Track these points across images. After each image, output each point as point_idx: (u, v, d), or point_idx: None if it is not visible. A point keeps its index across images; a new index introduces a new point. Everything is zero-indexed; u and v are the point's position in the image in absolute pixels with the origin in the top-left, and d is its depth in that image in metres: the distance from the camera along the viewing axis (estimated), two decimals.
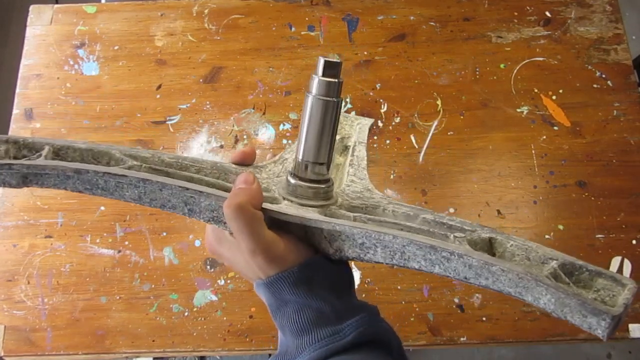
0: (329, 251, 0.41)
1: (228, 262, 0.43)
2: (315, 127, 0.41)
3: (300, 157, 0.42)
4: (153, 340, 0.80)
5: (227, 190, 0.41)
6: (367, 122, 0.55)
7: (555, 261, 0.35)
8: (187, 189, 0.39)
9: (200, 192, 0.39)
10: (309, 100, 0.40)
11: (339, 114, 0.42)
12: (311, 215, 0.40)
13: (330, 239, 0.40)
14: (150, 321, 0.81)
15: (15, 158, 0.41)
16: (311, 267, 0.40)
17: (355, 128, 0.54)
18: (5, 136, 0.42)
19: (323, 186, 0.42)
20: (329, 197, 0.43)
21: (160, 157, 0.44)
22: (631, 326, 0.78)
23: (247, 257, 0.39)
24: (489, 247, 0.38)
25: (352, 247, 0.39)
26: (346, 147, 0.53)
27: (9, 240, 0.86)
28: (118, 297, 0.82)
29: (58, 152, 0.42)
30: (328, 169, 0.43)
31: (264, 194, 0.41)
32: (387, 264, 0.38)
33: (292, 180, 0.43)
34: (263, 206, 0.39)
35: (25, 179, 0.39)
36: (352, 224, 0.38)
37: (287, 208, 0.41)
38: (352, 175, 0.49)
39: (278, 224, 0.40)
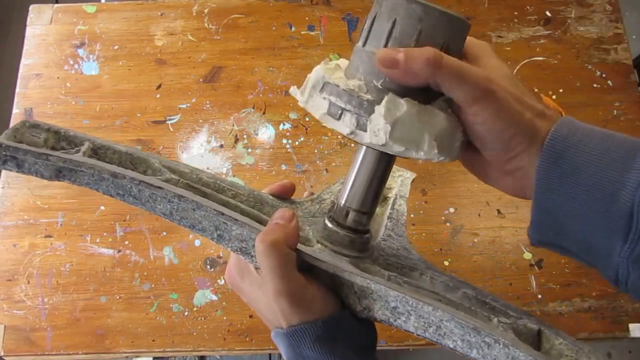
0: (357, 308, 0.37)
1: (247, 299, 0.41)
2: (365, 175, 0.38)
3: (342, 202, 0.39)
4: (153, 340, 0.80)
5: (261, 221, 0.39)
6: (410, 176, 0.51)
7: None
8: (223, 214, 0.37)
9: (235, 219, 0.37)
10: (363, 148, 0.38)
11: (392, 166, 0.39)
12: (345, 266, 0.37)
13: (360, 295, 0.36)
14: (150, 321, 0.81)
15: (53, 149, 0.39)
16: (336, 323, 0.37)
17: (397, 180, 0.51)
18: (48, 124, 0.39)
19: (361, 237, 0.39)
20: (365, 249, 0.40)
21: (199, 175, 0.42)
22: (631, 326, 0.78)
23: (270, 298, 0.36)
24: (535, 339, 0.34)
25: (383, 309, 0.35)
26: (386, 198, 0.49)
27: (9, 239, 0.86)
28: (118, 297, 0.82)
29: (97, 151, 0.40)
30: (369, 219, 0.40)
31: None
32: (418, 335, 0.35)
33: (330, 225, 0.40)
34: (297, 247, 0.37)
35: (59, 173, 0.37)
36: (388, 285, 0.35)
37: (321, 253, 0.38)
38: (389, 229, 0.45)
39: (307, 268, 0.37)
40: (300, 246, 0.37)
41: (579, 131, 0.33)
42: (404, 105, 0.33)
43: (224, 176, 0.89)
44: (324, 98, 0.36)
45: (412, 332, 0.35)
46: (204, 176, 0.42)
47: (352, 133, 0.35)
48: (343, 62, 0.38)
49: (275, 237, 0.35)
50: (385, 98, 0.33)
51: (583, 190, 0.32)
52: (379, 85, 0.34)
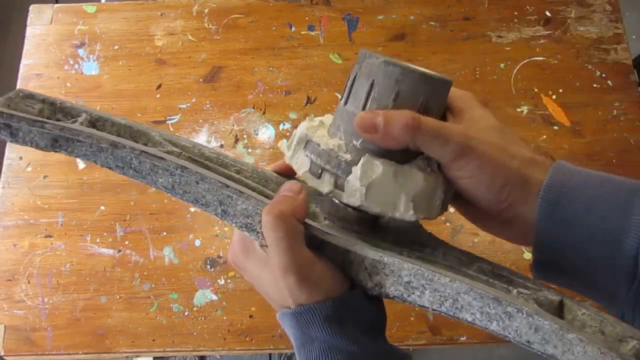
0: (367, 285, 0.35)
1: (251, 279, 0.39)
2: None
3: None
4: (153, 340, 0.80)
5: (267, 197, 0.37)
6: None
7: (636, 341, 0.29)
8: (228, 186, 0.35)
9: (241, 192, 0.35)
10: None
11: None
12: (356, 241, 0.35)
13: (371, 271, 0.35)
14: (151, 321, 0.81)
15: (49, 119, 0.37)
16: (346, 303, 0.35)
17: None
18: (43, 95, 0.38)
19: (370, 213, 0.38)
20: (374, 226, 0.39)
21: (201, 150, 0.40)
22: None
23: (277, 275, 0.34)
24: (557, 311, 0.33)
25: (396, 285, 0.34)
26: None
27: (9, 239, 0.86)
28: (118, 297, 0.82)
29: (95, 123, 0.38)
30: None
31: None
32: (433, 309, 0.33)
33: (337, 201, 0.38)
34: (306, 221, 0.35)
35: (55, 143, 0.35)
36: (402, 258, 0.34)
37: (330, 229, 0.36)
38: None
39: (315, 244, 0.36)
40: (309, 221, 0.36)
41: (574, 176, 0.33)
42: (379, 167, 0.33)
43: None
44: (307, 156, 0.36)
45: (427, 307, 0.34)
46: (207, 151, 0.40)
47: (330, 192, 0.35)
48: (327, 119, 0.38)
49: (282, 209, 0.33)
50: (362, 160, 0.34)
51: (585, 237, 0.32)
52: (358, 145, 0.34)
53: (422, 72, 0.33)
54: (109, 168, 0.36)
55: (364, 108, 0.34)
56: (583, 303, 0.33)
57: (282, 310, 0.37)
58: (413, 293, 0.34)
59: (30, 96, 0.37)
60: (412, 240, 0.39)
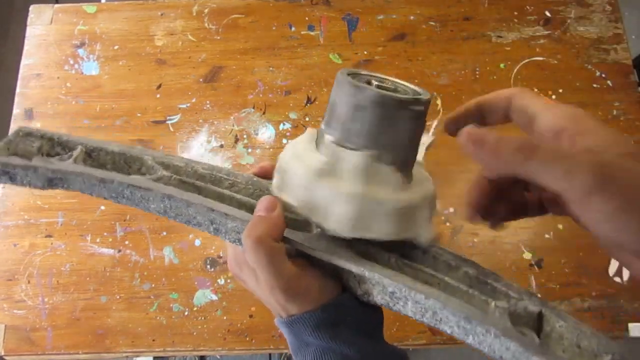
0: (357, 292, 0.37)
1: (249, 288, 0.40)
2: None
3: None
4: (153, 340, 0.80)
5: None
6: (425, 140, 0.46)
7: (611, 356, 0.29)
8: (213, 210, 0.37)
9: (227, 214, 0.37)
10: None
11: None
12: (340, 252, 0.36)
13: (359, 279, 0.37)
14: (151, 320, 0.81)
15: (48, 155, 0.40)
16: (336, 308, 0.36)
17: None
18: (42, 131, 0.40)
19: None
20: None
21: (194, 168, 0.41)
22: (630, 325, 0.78)
23: (265, 291, 0.36)
24: (535, 322, 0.33)
25: (382, 294, 0.35)
26: None
27: (9, 239, 0.86)
28: (118, 297, 0.82)
29: (90, 154, 0.40)
30: None
31: (295, 216, 0.37)
32: (417, 320, 0.34)
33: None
34: (289, 236, 0.36)
35: (51, 182, 0.38)
36: (382, 273, 0.34)
37: (317, 240, 0.37)
38: None
39: (304, 253, 0.37)
40: (292, 235, 0.37)
41: None
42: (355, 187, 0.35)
43: None
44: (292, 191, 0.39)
45: (411, 317, 0.35)
46: (199, 168, 0.41)
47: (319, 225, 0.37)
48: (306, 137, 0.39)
49: (258, 233, 0.34)
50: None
51: None
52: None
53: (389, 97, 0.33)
54: (105, 198, 0.38)
55: (328, 128, 0.35)
56: (563, 314, 0.33)
57: (277, 318, 0.38)
58: (397, 303, 0.35)
59: (29, 134, 0.40)
60: (404, 242, 0.39)
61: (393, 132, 0.34)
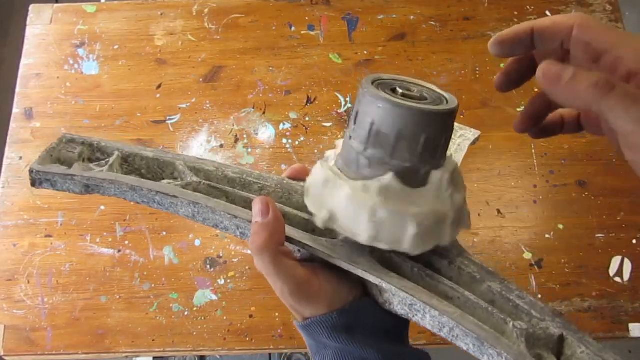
0: (379, 299, 0.37)
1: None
2: None
3: None
4: (153, 340, 0.80)
5: (285, 214, 0.39)
6: (472, 135, 0.43)
7: None
8: (236, 217, 0.37)
9: (249, 221, 0.37)
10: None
11: None
12: (362, 260, 0.36)
13: (380, 288, 0.36)
14: (150, 320, 0.81)
15: (89, 160, 0.43)
16: (354, 312, 0.36)
17: (455, 141, 0.45)
18: (83, 138, 0.43)
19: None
20: None
21: (224, 172, 0.42)
22: (631, 325, 0.78)
23: (279, 296, 0.36)
24: (556, 346, 0.32)
25: (401, 305, 0.35)
26: None
27: (9, 239, 0.86)
28: (118, 297, 0.82)
29: (126, 159, 0.43)
30: None
31: (312, 218, 0.37)
32: (434, 332, 0.34)
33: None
34: (309, 243, 0.36)
35: (88, 188, 0.41)
36: (399, 286, 0.34)
37: (342, 246, 0.36)
38: None
39: (318, 257, 0.37)
40: (317, 240, 0.36)
41: None
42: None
43: None
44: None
45: (430, 330, 0.34)
46: (230, 172, 0.42)
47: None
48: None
49: (259, 242, 0.34)
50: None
51: None
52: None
53: (421, 109, 0.32)
54: (137, 203, 0.40)
55: (365, 146, 0.34)
56: (586, 339, 0.32)
57: (294, 321, 0.38)
58: (416, 315, 0.34)
59: (71, 140, 0.43)
60: (431, 250, 0.37)
61: (430, 142, 0.33)
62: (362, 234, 0.34)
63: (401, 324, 0.38)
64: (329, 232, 0.38)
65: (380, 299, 0.37)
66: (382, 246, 0.34)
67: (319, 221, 0.35)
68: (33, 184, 0.41)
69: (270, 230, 0.34)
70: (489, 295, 0.36)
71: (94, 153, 0.43)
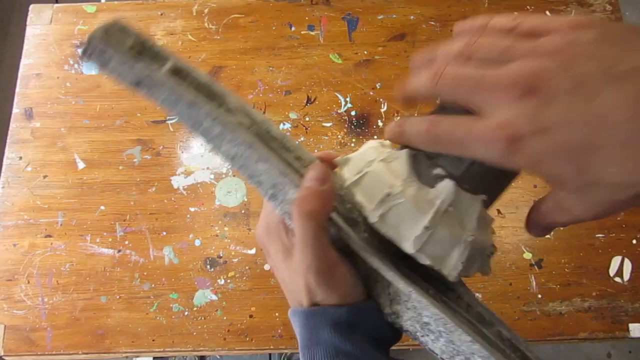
0: (385, 309, 0.35)
1: (271, 264, 0.37)
2: None
3: None
4: (153, 340, 0.80)
5: None
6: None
7: None
8: (286, 175, 0.34)
9: (296, 185, 0.34)
10: None
11: None
12: (389, 265, 0.34)
13: (393, 298, 0.34)
14: (150, 320, 0.81)
15: (139, 53, 0.37)
16: (361, 312, 0.34)
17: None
18: (136, 32, 0.37)
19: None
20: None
21: (268, 128, 0.38)
22: (631, 326, 0.78)
23: (297, 269, 0.33)
24: None
25: (413, 321, 0.33)
26: None
27: (8, 239, 0.86)
28: (118, 297, 0.82)
29: (178, 72, 0.37)
30: None
31: (347, 205, 0.34)
32: (442, 358, 0.32)
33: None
34: (343, 227, 0.34)
35: (139, 84, 0.35)
36: (430, 300, 0.32)
37: (369, 244, 0.34)
38: None
39: (343, 246, 0.34)
40: (347, 229, 0.34)
41: None
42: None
43: (224, 176, 0.89)
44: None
45: (437, 354, 0.32)
46: (273, 130, 0.38)
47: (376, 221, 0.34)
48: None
49: (312, 207, 0.31)
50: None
51: None
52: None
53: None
54: (180, 121, 0.36)
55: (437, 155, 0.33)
56: None
57: (295, 307, 0.35)
58: (427, 335, 0.32)
59: (124, 30, 0.37)
60: (440, 280, 0.36)
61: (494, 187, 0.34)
62: (410, 243, 0.32)
63: (394, 338, 0.36)
64: (352, 222, 0.35)
65: (387, 309, 0.34)
66: (423, 260, 0.32)
67: (372, 214, 0.33)
68: (84, 53, 0.35)
69: (324, 200, 0.32)
70: (500, 341, 0.34)
71: (143, 52, 0.37)
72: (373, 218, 0.33)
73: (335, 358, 0.32)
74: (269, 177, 0.34)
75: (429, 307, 0.32)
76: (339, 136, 0.91)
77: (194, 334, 0.80)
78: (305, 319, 0.34)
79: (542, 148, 0.24)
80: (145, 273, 0.83)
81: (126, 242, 0.85)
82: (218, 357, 1.44)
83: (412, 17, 0.99)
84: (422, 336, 0.33)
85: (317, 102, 0.93)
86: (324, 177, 0.33)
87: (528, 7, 0.98)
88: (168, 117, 0.93)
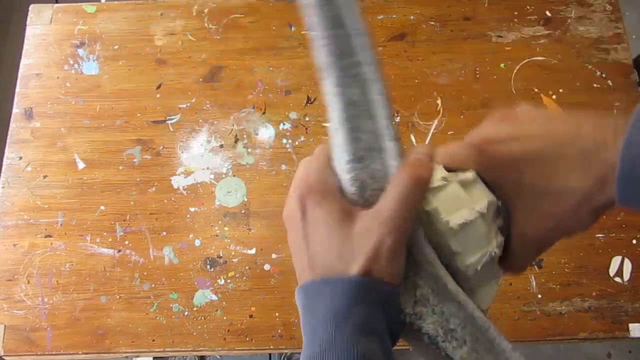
0: (406, 309, 0.33)
1: (302, 227, 0.34)
2: None
3: None
4: (153, 340, 0.80)
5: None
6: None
7: None
8: (396, 142, 0.33)
9: (398, 156, 0.33)
10: None
11: None
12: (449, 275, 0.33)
13: (418, 300, 0.33)
14: (150, 321, 0.81)
15: None
16: (392, 298, 0.32)
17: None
18: None
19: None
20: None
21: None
22: (631, 326, 0.78)
23: (368, 231, 0.31)
24: None
25: (436, 325, 0.32)
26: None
27: (8, 239, 0.86)
28: (118, 297, 0.82)
29: None
30: None
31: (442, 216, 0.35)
32: None
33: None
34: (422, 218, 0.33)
35: None
36: (475, 310, 0.32)
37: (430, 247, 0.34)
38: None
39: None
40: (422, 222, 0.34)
41: None
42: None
43: (224, 176, 0.89)
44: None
45: None
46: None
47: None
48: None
49: (422, 174, 0.31)
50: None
51: None
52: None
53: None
54: (324, 50, 0.35)
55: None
56: None
57: (338, 274, 0.31)
58: (450, 342, 0.32)
59: None
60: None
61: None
62: (470, 262, 0.33)
63: (396, 338, 0.35)
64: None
65: (409, 309, 0.33)
66: (455, 246, 0.33)
67: (454, 223, 0.32)
68: None
69: (430, 174, 0.32)
70: None
71: None
72: (455, 226, 0.33)
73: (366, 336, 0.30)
74: (371, 138, 0.33)
75: (474, 314, 0.32)
76: None
77: (194, 334, 0.80)
78: (353, 288, 0.31)
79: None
80: (145, 273, 0.83)
81: (126, 242, 0.85)
82: (218, 357, 1.44)
83: (412, 17, 0.99)
84: (444, 341, 0.32)
85: (317, 102, 0.93)
86: (432, 155, 0.34)
87: (528, 7, 0.98)
88: (168, 117, 0.93)
